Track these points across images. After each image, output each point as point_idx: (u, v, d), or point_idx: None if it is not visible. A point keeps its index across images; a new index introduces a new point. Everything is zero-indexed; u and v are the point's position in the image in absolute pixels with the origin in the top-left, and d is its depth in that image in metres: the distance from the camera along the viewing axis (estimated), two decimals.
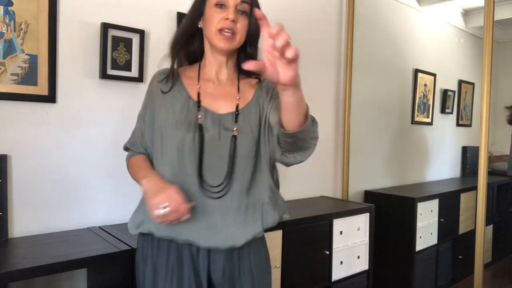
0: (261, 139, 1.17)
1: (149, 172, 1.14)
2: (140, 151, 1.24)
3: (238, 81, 1.21)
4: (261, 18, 0.82)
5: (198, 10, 1.16)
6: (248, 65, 0.82)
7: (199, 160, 1.10)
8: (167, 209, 1.01)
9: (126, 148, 1.30)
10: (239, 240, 1.12)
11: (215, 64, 1.19)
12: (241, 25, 1.12)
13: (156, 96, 1.18)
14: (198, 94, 1.16)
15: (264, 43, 0.82)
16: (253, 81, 1.22)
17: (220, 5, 1.11)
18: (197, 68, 1.22)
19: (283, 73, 0.84)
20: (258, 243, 1.21)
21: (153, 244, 1.15)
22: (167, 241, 1.13)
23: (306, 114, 0.99)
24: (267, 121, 1.16)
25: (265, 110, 1.17)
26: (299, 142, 1.04)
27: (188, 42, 1.21)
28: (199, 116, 1.13)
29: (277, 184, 1.24)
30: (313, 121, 1.03)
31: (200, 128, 1.11)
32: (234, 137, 1.12)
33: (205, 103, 1.15)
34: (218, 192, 1.11)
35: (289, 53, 0.80)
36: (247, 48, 1.19)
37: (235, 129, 1.13)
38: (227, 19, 1.10)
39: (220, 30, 1.11)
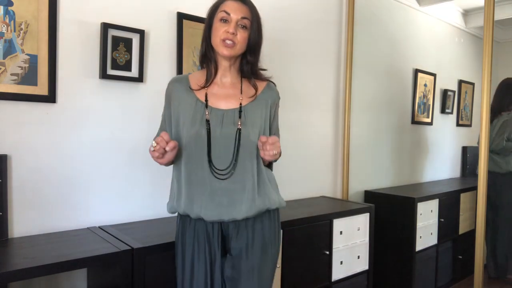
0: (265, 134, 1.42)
1: None
2: None
3: (241, 84, 1.45)
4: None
5: (208, 24, 1.41)
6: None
7: (208, 148, 1.34)
8: (155, 145, 1.26)
9: None
10: (240, 214, 1.34)
11: (220, 70, 1.43)
12: (241, 37, 1.36)
13: (172, 98, 1.43)
14: (206, 95, 1.41)
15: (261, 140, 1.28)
16: (261, 83, 1.47)
17: (224, 20, 1.36)
18: (204, 73, 1.46)
19: (265, 156, 1.30)
20: (271, 220, 1.43)
21: (183, 220, 1.43)
22: (189, 218, 1.40)
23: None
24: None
25: (270, 123, 1.46)
26: None
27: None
28: (206, 113, 1.37)
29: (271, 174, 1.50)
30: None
31: (208, 122, 1.36)
32: (239, 130, 1.36)
33: (210, 102, 1.40)
34: (224, 174, 1.34)
35: (272, 157, 1.30)
36: (247, 56, 1.42)
37: (239, 123, 1.37)
38: (228, 32, 1.34)
39: (224, 40, 1.35)
